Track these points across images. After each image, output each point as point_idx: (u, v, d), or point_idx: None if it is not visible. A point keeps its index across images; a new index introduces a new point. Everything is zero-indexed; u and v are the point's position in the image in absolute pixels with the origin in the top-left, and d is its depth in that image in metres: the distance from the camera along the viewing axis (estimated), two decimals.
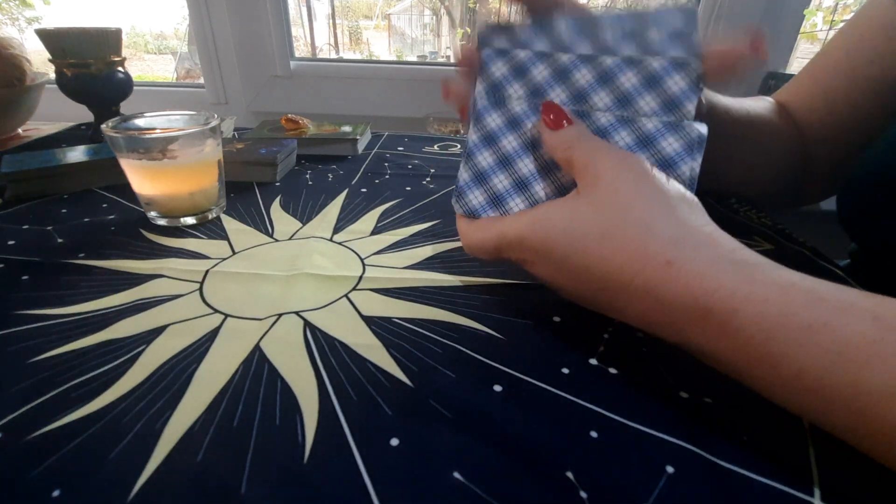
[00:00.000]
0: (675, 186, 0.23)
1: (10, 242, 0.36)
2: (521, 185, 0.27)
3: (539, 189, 0.27)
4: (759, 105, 0.42)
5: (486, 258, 0.28)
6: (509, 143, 0.28)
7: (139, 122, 0.40)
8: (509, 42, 0.28)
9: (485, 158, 0.28)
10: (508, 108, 0.28)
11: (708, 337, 0.20)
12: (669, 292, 0.20)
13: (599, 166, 0.23)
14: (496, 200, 0.28)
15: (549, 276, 0.25)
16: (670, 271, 0.20)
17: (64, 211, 0.42)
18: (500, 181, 0.28)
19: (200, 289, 0.31)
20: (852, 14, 0.41)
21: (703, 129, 0.25)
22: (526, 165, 0.27)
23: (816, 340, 0.17)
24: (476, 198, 0.28)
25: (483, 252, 0.27)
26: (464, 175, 0.28)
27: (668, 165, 0.25)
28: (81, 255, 0.34)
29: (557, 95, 0.27)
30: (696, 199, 0.23)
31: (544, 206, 0.25)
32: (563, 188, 0.27)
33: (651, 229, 0.21)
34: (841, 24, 0.43)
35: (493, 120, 0.28)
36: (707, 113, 0.36)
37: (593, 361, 0.25)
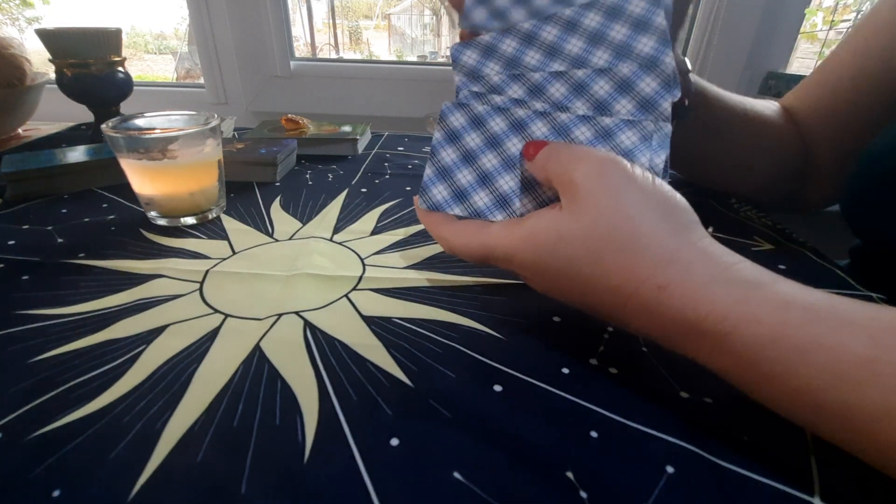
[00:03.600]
0: (662, 192, 0.22)
1: (10, 242, 0.36)
2: (485, 180, 0.27)
3: (503, 183, 0.27)
4: (763, 105, 0.42)
5: (471, 262, 0.27)
6: (472, 139, 0.28)
7: (139, 122, 0.40)
8: (466, 119, 0.28)
9: (448, 155, 0.28)
10: (471, 108, 0.28)
11: (704, 354, 0.20)
12: (663, 315, 0.20)
13: (575, 174, 0.22)
14: (459, 195, 0.27)
15: (544, 289, 0.24)
16: (663, 295, 0.20)
17: (64, 211, 0.41)
18: (464, 176, 0.27)
19: (200, 289, 0.31)
20: (853, 14, 0.42)
21: (667, 127, 0.25)
22: (489, 161, 0.27)
23: (810, 360, 0.17)
24: (440, 192, 0.28)
25: (469, 258, 0.26)
26: (427, 171, 0.28)
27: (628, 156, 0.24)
28: (81, 255, 0.34)
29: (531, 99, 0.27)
30: (686, 203, 0.22)
31: (530, 220, 0.23)
32: (527, 182, 0.26)
33: (639, 251, 0.20)
34: (841, 25, 0.43)
35: (457, 119, 0.28)
36: (698, 100, 0.37)
37: (593, 361, 0.25)
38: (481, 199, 0.27)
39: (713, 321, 0.18)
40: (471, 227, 0.26)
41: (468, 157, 0.28)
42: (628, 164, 0.22)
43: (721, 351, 0.19)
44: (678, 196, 0.22)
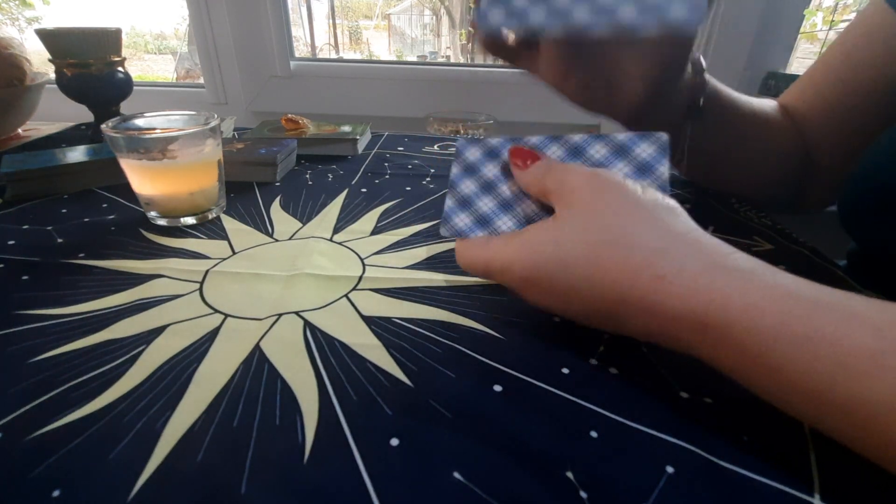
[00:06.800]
0: (651, 194, 0.23)
1: (10, 242, 0.36)
2: (506, 207, 0.29)
3: (519, 209, 0.28)
4: (764, 104, 0.43)
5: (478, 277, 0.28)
6: (490, 171, 0.30)
7: (139, 122, 0.40)
8: (482, 151, 0.30)
9: (467, 186, 0.30)
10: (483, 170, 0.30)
11: (708, 347, 0.20)
12: (665, 306, 0.20)
13: (574, 184, 0.24)
14: (482, 221, 0.29)
15: (541, 300, 0.24)
16: (662, 285, 0.20)
17: (64, 211, 0.41)
18: (485, 203, 0.29)
19: (200, 289, 0.31)
20: (853, 14, 0.42)
21: (665, 136, 0.27)
22: (507, 190, 0.29)
23: (815, 352, 0.17)
24: (462, 220, 0.29)
25: (474, 272, 0.27)
26: (448, 202, 0.30)
27: (645, 168, 0.26)
28: (81, 255, 0.34)
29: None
30: (674, 203, 0.23)
31: (528, 233, 0.24)
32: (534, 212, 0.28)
33: (633, 244, 0.21)
34: (841, 25, 0.43)
35: (472, 153, 0.30)
36: (711, 102, 0.37)
37: (593, 361, 0.25)
38: (504, 223, 0.28)
39: (715, 310, 0.19)
40: (476, 243, 0.27)
41: (487, 187, 0.29)
42: (619, 175, 0.24)
43: (723, 342, 0.19)
44: (668, 198, 0.24)
